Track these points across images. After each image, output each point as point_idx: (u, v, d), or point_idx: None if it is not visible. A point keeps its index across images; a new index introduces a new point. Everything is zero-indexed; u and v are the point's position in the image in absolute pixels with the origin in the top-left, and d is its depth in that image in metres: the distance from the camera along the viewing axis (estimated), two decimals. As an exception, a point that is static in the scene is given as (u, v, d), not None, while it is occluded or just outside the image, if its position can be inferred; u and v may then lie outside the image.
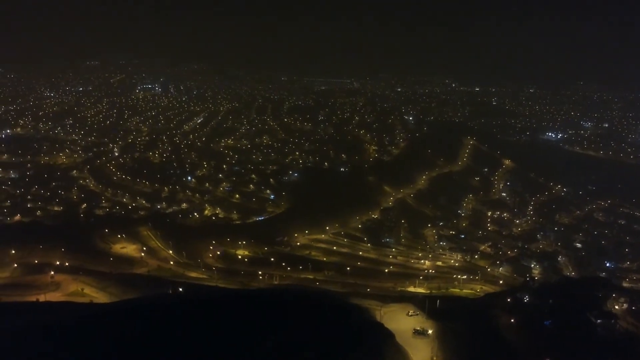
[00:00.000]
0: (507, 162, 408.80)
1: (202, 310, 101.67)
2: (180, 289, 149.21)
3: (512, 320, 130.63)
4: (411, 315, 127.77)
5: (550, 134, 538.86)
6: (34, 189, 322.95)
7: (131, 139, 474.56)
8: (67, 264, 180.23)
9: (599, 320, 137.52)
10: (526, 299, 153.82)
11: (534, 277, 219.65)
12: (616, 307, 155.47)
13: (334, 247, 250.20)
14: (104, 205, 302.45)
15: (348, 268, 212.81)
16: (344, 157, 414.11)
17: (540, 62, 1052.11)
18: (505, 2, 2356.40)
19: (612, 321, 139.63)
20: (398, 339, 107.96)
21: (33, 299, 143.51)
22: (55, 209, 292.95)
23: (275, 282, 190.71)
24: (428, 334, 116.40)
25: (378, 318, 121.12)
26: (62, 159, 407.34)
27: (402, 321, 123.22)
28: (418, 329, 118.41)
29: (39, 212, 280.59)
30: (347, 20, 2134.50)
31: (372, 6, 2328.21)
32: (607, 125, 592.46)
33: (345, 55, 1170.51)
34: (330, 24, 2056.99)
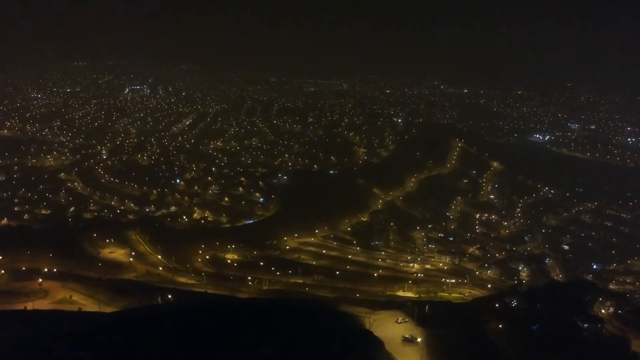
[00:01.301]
0: (495, 164, 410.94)
1: (190, 321, 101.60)
2: (170, 296, 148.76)
3: (500, 326, 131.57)
4: (400, 323, 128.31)
5: (537, 135, 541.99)
6: (22, 192, 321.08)
7: (119, 141, 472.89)
8: (55, 269, 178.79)
9: (585, 325, 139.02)
10: (514, 303, 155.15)
11: (522, 280, 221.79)
12: (602, 310, 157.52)
13: (324, 251, 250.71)
14: (92, 208, 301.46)
15: (337, 272, 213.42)
16: (333, 159, 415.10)
17: (528, 64, 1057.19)
18: (493, 5, 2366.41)
19: (599, 325, 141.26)
20: (387, 346, 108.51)
21: (21, 306, 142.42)
22: (43, 212, 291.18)
23: (265, 287, 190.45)
24: (417, 342, 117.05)
25: (367, 326, 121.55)
26: (50, 161, 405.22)
27: (391, 328, 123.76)
28: (407, 336, 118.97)
29: (26, 216, 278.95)
30: (336, 22, 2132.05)
31: (361, 7, 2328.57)
32: (594, 127, 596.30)
33: (334, 57, 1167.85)
34: (319, 25, 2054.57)
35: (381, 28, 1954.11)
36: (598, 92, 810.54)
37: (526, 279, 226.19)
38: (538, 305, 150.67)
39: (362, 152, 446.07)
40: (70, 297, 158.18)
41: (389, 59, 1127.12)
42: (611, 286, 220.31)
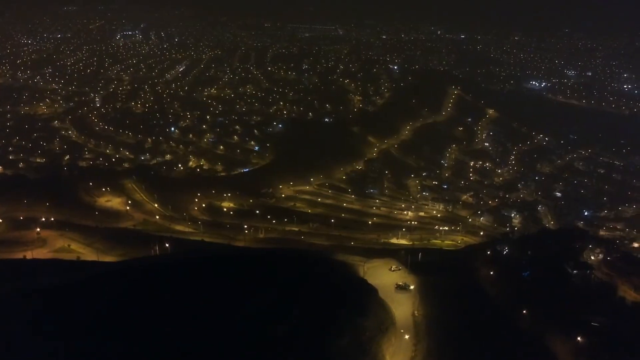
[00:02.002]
0: (490, 111, 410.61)
1: (187, 270, 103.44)
2: (167, 245, 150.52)
3: (492, 273, 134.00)
4: (394, 271, 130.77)
5: (533, 82, 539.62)
6: (15, 140, 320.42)
7: (112, 88, 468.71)
8: (52, 218, 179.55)
9: (575, 271, 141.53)
10: (505, 250, 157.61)
11: (514, 228, 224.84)
12: (592, 257, 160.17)
13: (319, 199, 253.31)
14: (87, 156, 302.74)
15: (332, 220, 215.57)
16: (329, 107, 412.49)
17: (526, 9, 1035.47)
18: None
19: (588, 272, 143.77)
20: (381, 294, 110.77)
21: (20, 256, 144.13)
22: (38, 160, 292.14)
23: (261, 235, 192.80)
24: (410, 289, 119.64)
25: (361, 274, 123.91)
26: (43, 109, 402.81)
27: (384, 276, 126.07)
28: (400, 283, 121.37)
29: (21, 164, 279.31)
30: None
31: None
32: (590, 74, 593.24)
33: (329, 1, 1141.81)
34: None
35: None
36: (595, 38, 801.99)
37: (518, 226, 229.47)
38: (529, 252, 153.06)
39: (358, 100, 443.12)
40: (69, 245, 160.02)
41: (385, 3, 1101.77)
42: (602, 233, 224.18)
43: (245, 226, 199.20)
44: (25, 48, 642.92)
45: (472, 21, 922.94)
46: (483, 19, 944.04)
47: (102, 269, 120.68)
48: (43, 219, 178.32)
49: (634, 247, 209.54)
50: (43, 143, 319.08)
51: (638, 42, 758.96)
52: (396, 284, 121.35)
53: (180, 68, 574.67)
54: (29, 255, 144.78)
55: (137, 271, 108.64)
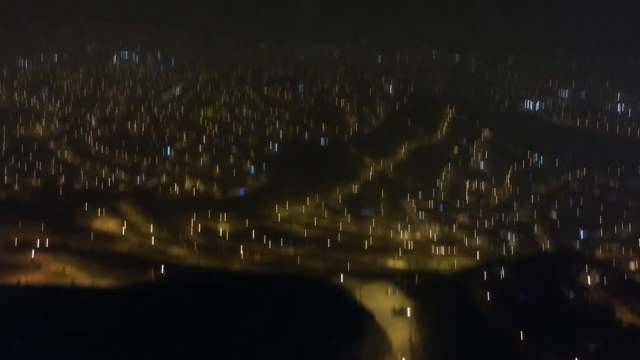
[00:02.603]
0: (485, 132, 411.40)
1: (183, 295, 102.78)
2: (162, 269, 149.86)
3: (488, 296, 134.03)
4: (390, 295, 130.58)
5: (528, 103, 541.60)
6: (11, 162, 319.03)
7: (109, 109, 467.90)
8: (47, 242, 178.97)
9: (571, 294, 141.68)
10: (502, 273, 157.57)
11: (510, 249, 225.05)
12: (589, 279, 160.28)
13: (315, 221, 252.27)
14: (83, 179, 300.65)
15: (328, 242, 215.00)
16: (324, 128, 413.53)
17: (520, 30, 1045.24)
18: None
19: (585, 294, 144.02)
20: (377, 319, 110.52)
21: (14, 280, 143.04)
22: (33, 183, 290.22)
23: (257, 258, 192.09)
24: (407, 313, 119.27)
25: (357, 298, 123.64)
26: (38, 131, 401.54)
27: (381, 300, 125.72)
28: (397, 308, 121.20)
29: (16, 187, 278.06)
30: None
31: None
32: (584, 95, 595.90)
33: (324, 20, 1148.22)
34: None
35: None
36: (589, 58, 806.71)
37: (514, 247, 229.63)
38: (525, 274, 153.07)
39: (353, 121, 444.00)
40: (63, 269, 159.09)
41: (380, 24, 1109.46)
42: (598, 254, 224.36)
43: (241, 248, 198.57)
44: (21, 68, 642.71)
45: (466, 42, 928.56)
46: (477, 40, 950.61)
47: (97, 295, 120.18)
48: (38, 242, 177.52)
49: (630, 269, 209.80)
50: (39, 165, 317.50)
51: (632, 62, 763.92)
52: (393, 309, 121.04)
53: (176, 89, 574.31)
54: (23, 279, 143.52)
55: (132, 297, 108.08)
